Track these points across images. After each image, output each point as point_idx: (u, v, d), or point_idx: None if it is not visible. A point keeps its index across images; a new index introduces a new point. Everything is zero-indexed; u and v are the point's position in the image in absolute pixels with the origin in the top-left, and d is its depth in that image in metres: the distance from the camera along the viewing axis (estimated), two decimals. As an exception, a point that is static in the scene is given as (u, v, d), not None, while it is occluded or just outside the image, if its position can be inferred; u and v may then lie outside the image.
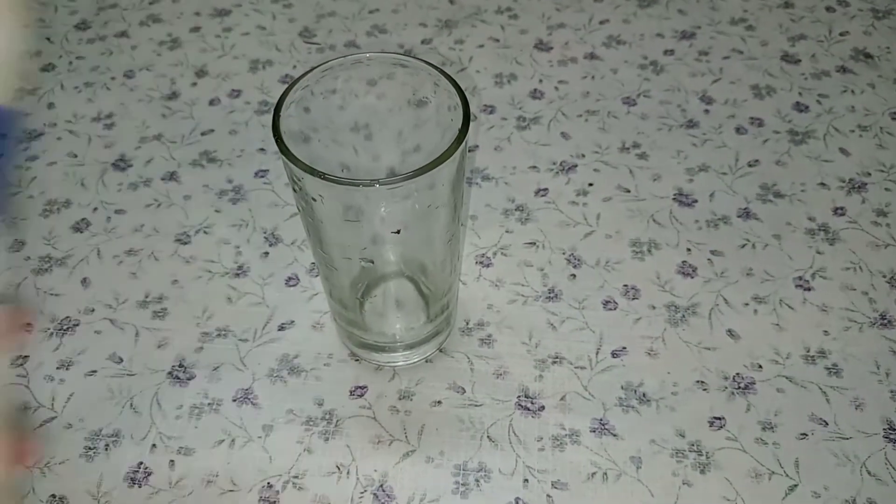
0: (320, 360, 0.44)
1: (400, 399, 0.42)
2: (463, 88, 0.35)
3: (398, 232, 0.34)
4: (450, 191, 0.34)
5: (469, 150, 0.53)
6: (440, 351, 0.44)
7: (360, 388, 0.43)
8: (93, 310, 0.46)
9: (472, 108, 0.56)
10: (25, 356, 0.44)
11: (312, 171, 0.30)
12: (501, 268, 0.48)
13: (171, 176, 0.53)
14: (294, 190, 0.34)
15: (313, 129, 0.36)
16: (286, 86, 0.58)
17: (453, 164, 0.32)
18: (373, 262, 0.36)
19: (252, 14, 0.65)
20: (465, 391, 0.42)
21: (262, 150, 0.54)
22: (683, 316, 0.45)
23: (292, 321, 0.46)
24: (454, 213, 0.36)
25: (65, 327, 0.45)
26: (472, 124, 0.36)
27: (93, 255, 0.49)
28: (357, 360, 0.44)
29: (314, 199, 0.32)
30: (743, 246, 0.48)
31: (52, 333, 0.45)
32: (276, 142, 0.32)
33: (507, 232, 0.50)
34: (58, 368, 0.44)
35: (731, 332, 0.45)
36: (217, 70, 0.60)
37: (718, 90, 0.58)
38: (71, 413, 0.42)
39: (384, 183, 0.30)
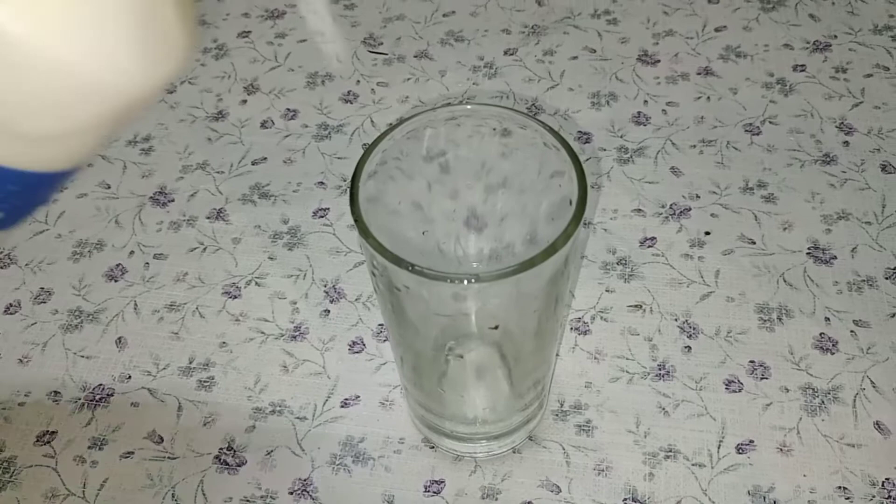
0: (390, 446, 0.42)
1: (483, 498, 0.41)
2: (570, 144, 0.33)
3: (496, 327, 0.32)
4: (561, 273, 0.32)
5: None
6: (530, 439, 0.42)
7: (436, 482, 0.41)
8: (129, 377, 0.45)
9: (564, 135, 0.54)
10: (53, 432, 0.43)
11: (401, 264, 0.29)
12: (601, 336, 0.46)
13: (218, 214, 0.52)
14: (372, 274, 0.32)
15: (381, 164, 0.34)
16: (346, 103, 0.57)
17: (569, 246, 0.30)
18: (462, 357, 0.34)
19: (309, 17, 0.63)
20: (560, 490, 0.41)
21: (321, 184, 0.53)
22: (822, 402, 0.43)
23: (357, 396, 0.44)
24: (564, 294, 0.34)
25: (97, 397, 0.44)
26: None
27: (129, 308, 0.48)
28: (432, 447, 0.42)
29: (398, 290, 0.31)
30: (893, 315, 0.45)
31: (83, 405, 0.44)
32: (356, 222, 0.30)
33: (607, 291, 0.47)
34: (89, 448, 0.43)
35: (879, 426, 0.42)
36: (269, 85, 0.59)
37: (860, 116, 0.55)
38: (104, 503, 0.41)
39: (485, 279, 0.28)
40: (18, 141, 0.24)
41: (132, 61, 0.24)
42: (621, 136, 0.55)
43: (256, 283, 0.49)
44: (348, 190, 0.32)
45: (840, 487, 0.40)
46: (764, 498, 0.40)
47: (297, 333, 0.46)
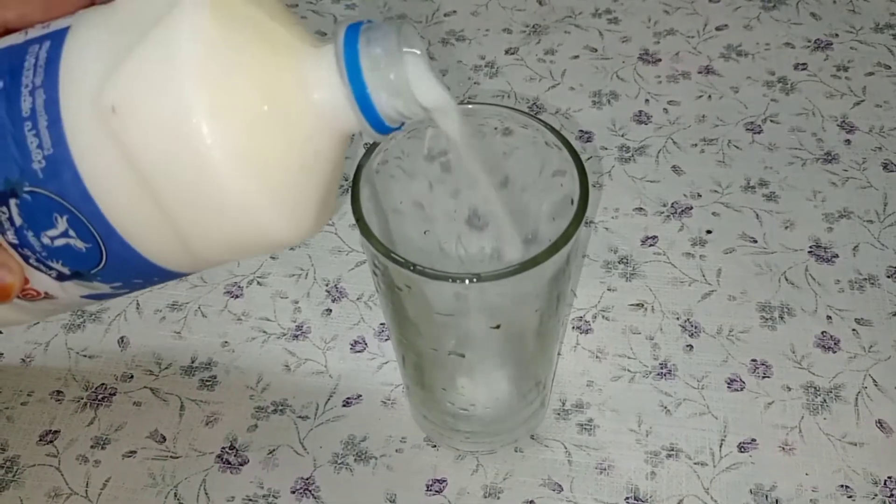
0: (392, 445, 0.42)
1: (486, 497, 0.40)
2: (570, 141, 0.33)
3: (498, 327, 0.32)
4: (562, 272, 0.32)
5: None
6: (532, 438, 0.42)
7: (438, 481, 0.41)
8: (131, 376, 0.45)
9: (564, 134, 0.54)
10: (55, 431, 0.43)
11: (403, 264, 0.28)
12: (603, 335, 0.46)
13: (220, 214, 0.52)
14: (374, 273, 0.32)
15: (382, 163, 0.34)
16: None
17: (570, 245, 0.30)
18: (464, 356, 0.34)
19: (310, 16, 0.63)
20: (561, 489, 0.40)
21: (322, 183, 0.53)
22: (824, 401, 0.43)
23: (359, 395, 0.44)
24: (565, 293, 0.34)
25: (100, 396, 0.44)
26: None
27: (131, 308, 0.48)
28: (434, 446, 0.42)
29: (399, 289, 0.31)
30: (895, 313, 0.45)
31: (85, 404, 0.44)
32: (358, 222, 0.30)
33: (608, 290, 0.47)
34: (92, 447, 0.43)
35: (881, 424, 0.42)
36: (271, 84, 0.59)
37: (861, 115, 0.54)
38: (107, 502, 0.41)
39: (487, 278, 0.28)
40: (187, 255, 0.26)
41: (306, 219, 0.26)
42: (622, 135, 0.54)
43: (258, 283, 0.49)
44: (350, 189, 0.32)
45: (842, 486, 0.40)
46: (766, 497, 0.40)
47: (298, 333, 0.46)
